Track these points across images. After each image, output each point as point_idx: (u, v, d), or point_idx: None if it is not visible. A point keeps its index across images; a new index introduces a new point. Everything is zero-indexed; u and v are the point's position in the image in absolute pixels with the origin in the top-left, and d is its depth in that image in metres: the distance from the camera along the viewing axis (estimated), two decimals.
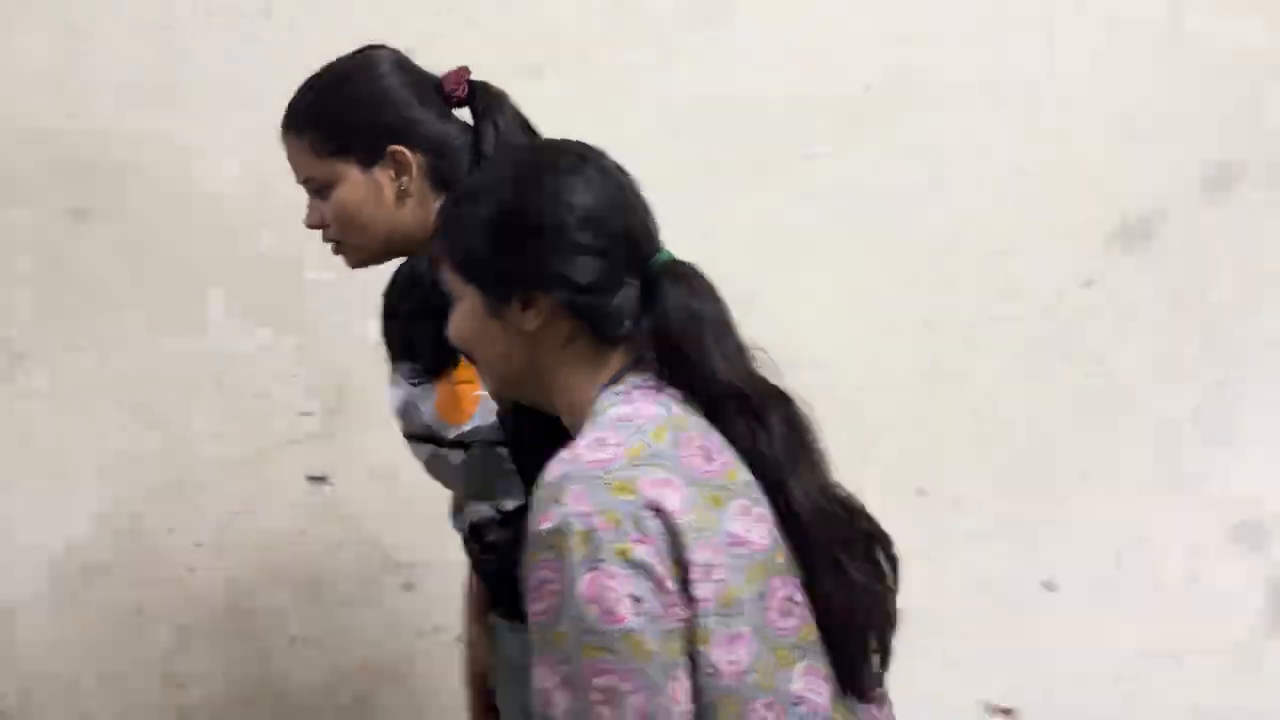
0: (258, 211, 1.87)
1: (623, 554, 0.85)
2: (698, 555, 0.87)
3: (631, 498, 0.87)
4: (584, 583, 0.84)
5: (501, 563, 1.25)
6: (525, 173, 0.99)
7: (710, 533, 0.89)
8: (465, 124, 1.27)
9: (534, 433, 1.13)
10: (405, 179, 1.22)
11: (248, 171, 1.86)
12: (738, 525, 0.91)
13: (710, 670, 0.85)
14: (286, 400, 1.93)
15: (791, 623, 0.91)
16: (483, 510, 1.27)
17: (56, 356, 1.91)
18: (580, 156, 0.99)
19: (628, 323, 0.96)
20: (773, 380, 0.99)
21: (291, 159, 1.27)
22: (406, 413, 1.24)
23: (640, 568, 0.85)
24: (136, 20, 1.90)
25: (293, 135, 1.25)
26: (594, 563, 0.85)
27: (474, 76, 1.27)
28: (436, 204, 1.18)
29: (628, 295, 0.96)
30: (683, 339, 0.95)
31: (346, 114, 1.23)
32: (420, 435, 1.24)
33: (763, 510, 0.93)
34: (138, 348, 1.93)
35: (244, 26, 1.88)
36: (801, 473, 0.95)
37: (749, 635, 0.88)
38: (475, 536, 1.29)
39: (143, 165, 1.91)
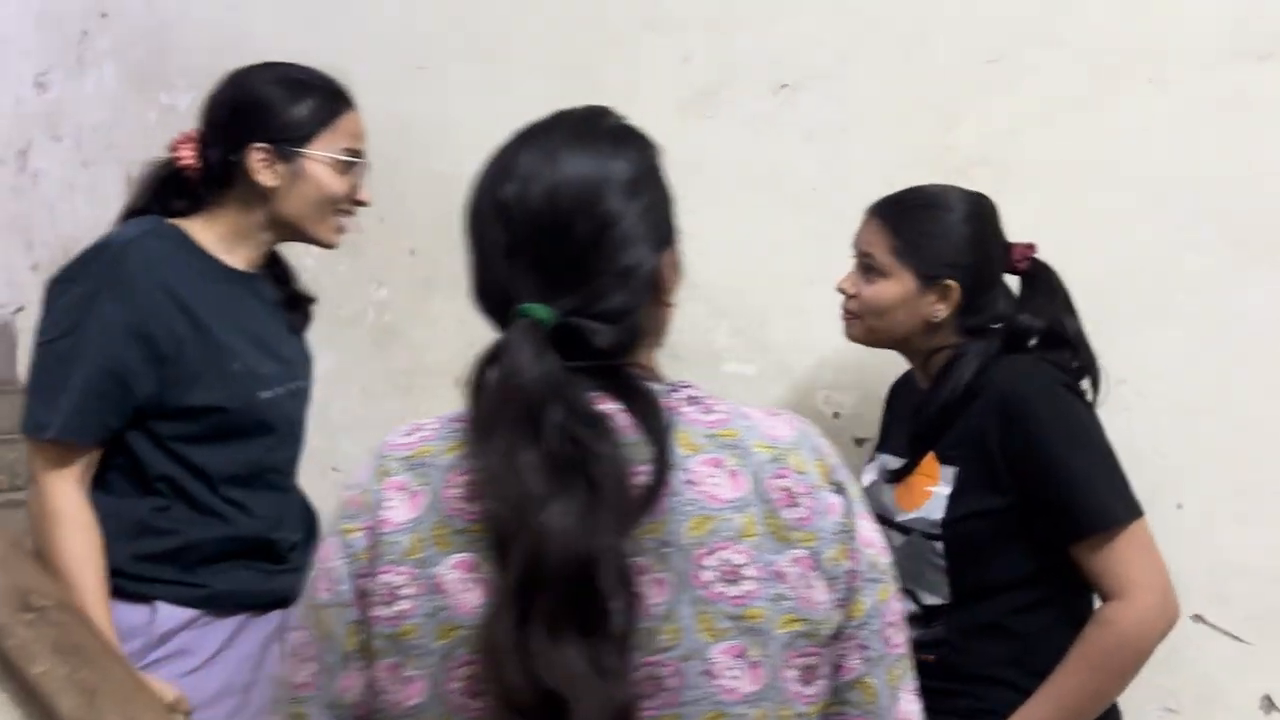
0: (694, 306, 1.88)
1: (345, 533, 0.88)
2: (386, 575, 0.85)
3: (378, 488, 0.88)
4: (321, 546, 0.91)
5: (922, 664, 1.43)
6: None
7: (412, 564, 0.85)
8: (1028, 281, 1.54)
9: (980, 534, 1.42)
10: (942, 308, 1.47)
11: (689, 269, 1.88)
12: (451, 575, 0.84)
13: (385, 698, 0.86)
14: None
15: (478, 708, 0.82)
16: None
17: None
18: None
19: None
20: None
21: (869, 238, 1.53)
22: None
23: (351, 553, 0.87)
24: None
25: (882, 223, 1.52)
26: (330, 531, 0.90)
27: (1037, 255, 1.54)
28: (949, 339, 1.50)
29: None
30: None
31: (928, 242, 1.48)
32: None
33: (490, 580, 0.84)
34: None
35: None
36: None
37: (422, 685, 0.84)
38: None
39: None
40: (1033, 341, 1.49)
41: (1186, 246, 1.61)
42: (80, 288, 1.45)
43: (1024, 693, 1.39)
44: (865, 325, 1.55)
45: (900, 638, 0.96)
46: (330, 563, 0.87)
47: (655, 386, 0.89)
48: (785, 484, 0.90)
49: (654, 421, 0.86)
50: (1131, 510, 1.38)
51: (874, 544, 0.94)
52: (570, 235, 0.86)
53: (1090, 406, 1.47)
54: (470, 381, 0.84)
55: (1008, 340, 1.48)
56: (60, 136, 3.49)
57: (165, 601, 1.47)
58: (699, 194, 2.03)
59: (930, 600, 1.48)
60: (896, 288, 1.50)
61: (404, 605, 0.83)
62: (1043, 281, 1.53)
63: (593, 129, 0.93)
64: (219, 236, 1.55)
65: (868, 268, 1.53)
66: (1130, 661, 1.37)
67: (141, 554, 1.45)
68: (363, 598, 0.85)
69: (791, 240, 1.94)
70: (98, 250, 1.48)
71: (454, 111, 2.40)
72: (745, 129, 2.01)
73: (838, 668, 0.92)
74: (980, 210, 1.53)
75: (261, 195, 1.52)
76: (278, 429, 1.57)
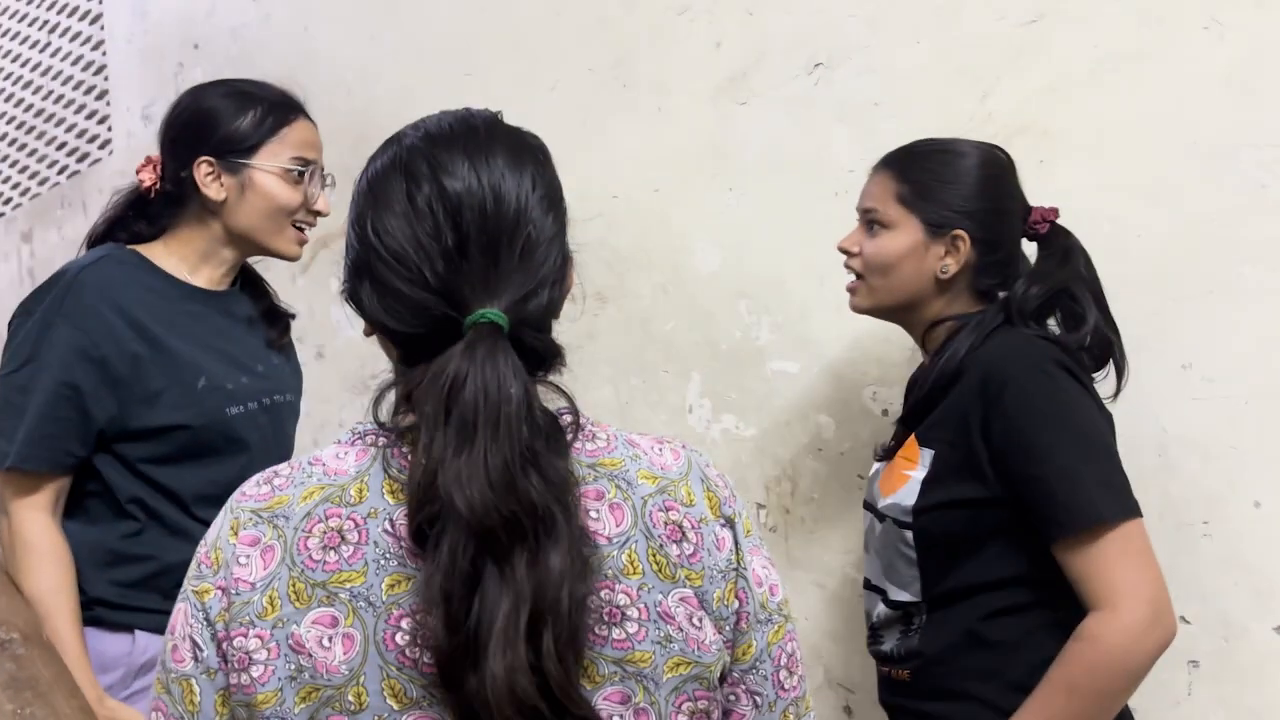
0: (735, 300, 1.96)
1: (199, 595, 0.81)
2: (240, 638, 0.78)
3: (232, 543, 0.81)
4: (174, 613, 0.83)
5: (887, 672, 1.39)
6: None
7: (266, 625, 0.78)
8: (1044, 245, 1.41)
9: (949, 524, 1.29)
10: (951, 262, 1.35)
11: (730, 263, 1.97)
12: (310, 632, 0.77)
13: None
14: (743, 495, 1.93)
15: None
16: (877, 600, 1.40)
17: None
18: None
19: None
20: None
21: (873, 191, 1.42)
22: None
23: (208, 616, 0.80)
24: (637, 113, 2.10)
25: (888, 173, 1.41)
26: (181, 595, 0.83)
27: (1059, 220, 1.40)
28: (958, 306, 1.38)
29: None
30: None
31: (937, 186, 1.36)
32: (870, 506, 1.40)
33: (359, 633, 0.77)
34: (633, 425, 1.99)
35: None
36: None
37: None
38: (870, 630, 1.41)
39: (650, 253, 2.08)
40: (1040, 315, 1.34)
41: (1254, 212, 1.42)
42: (34, 319, 1.46)
43: (1002, 712, 1.23)
44: (869, 289, 1.42)
45: (794, 681, 0.88)
46: (187, 627, 0.81)
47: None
48: (673, 517, 0.83)
49: (566, 455, 0.81)
50: (1122, 509, 1.20)
51: (764, 582, 0.87)
52: (513, 241, 0.80)
53: (1088, 390, 1.28)
54: (437, 389, 0.76)
55: (1009, 312, 1.33)
56: None
57: (144, 630, 1.47)
58: (734, 182, 1.97)
59: (900, 596, 1.35)
60: (902, 238, 1.37)
61: (257, 671, 0.78)
62: (1058, 247, 1.38)
63: (516, 139, 0.86)
64: (180, 257, 1.56)
65: (871, 223, 1.42)
66: (1116, 681, 1.17)
67: (119, 581, 1.46)
68: (225, 662, 0.80)
69: (830, 228, 1.81)
70: (53, 280, 1.49)
71: (500, 111, 2.37)
72: (779, 112, 1.91)
73: (727, 713, 0.86)
74: (996, 160, 1.40)
75: (214, 210, 1.52)
76: (251, 445, 1.55)
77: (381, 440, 0.82)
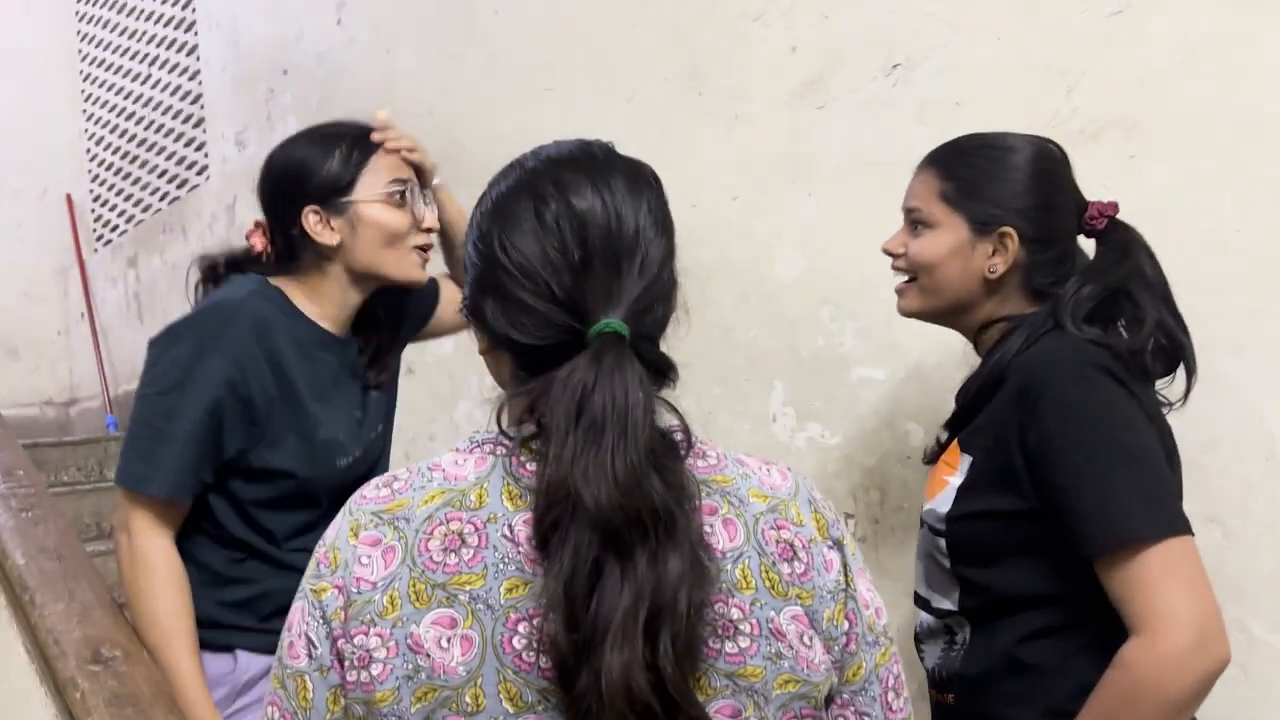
0: (817, 308, 1.96)
1: (317, 593, 0.83)
2: (359, 636, 0.80)
3: (353, 544, 0.83)
4: (292, 610, 0.85)
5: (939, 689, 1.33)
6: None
7: (386, 624, 0.80)
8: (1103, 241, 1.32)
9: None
10: (999, 262, 1.29)
11: (812, 269, 1.97)
12: (429, 632, 0.79)
13: None
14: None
15: None
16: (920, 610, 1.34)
17: None
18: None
19: None
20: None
21: (917, 189, 1.37)
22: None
23: (324, 614, 0.82)
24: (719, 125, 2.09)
25: (931, 171, 1.35)
26: (300, 593, 0.86)
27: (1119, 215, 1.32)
28: (1010, 307, 1.31)
29: None
30: None
31: (982, 182, 1.31)
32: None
33: (478, 635, 0.79)
34: (717, 434, 2.02)
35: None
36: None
37: None
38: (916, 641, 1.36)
39: (730, 262, 2.08)
40: (1095, 316, 1.25)
41: None
42: (187, 345, 1.47)
43: None
44: (917, 290, 1.36)
45: (900, 702, 0.88)
46: (304, 625, 0.84)
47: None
48: (784, 535, 0.84)
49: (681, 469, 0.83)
50: (1164, 526, 1.10)
51: (871, 604, 0.88)
52: (633, 258, 0.84)
53: (1136, 397, 1.19)
54: (567, 395, 0.79)
55: (1059, 313, 1.25)
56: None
57: (245, 650, 1.50)
58: (813, 187, 1.95)
59: (941, 604, 1.30)
60: (947, 237, 1.31)
61: (376, 669, 0.80)
62: (1116, 244, 1.29)
63: (633, 167, 0.90)
64: (309, 299, 1.56)
65: (915, 223, 1.36)
66: (1155, 712, 1.06)
67: (222, 602, 1.49)
68: (340, 661, 0.82)
69: None
70: (208, 310, 1.51)
71: (580, 124, 2.38)
72: (858, 115, 1.88)
73: None
74: (1046, 154, 1.32)
75: (330, 256, 1.53)
76: (350, 489, 1.57)
77: (501, 449, 0.85)
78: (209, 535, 1.51)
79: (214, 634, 1.49)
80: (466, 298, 0.89)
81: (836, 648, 0.85)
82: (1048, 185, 1.31)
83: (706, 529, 0.82)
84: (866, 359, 1.88)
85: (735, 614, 0.81)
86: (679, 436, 0.85)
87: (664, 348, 0.89)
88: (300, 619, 0.84)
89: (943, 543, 1.27)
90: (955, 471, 1.27)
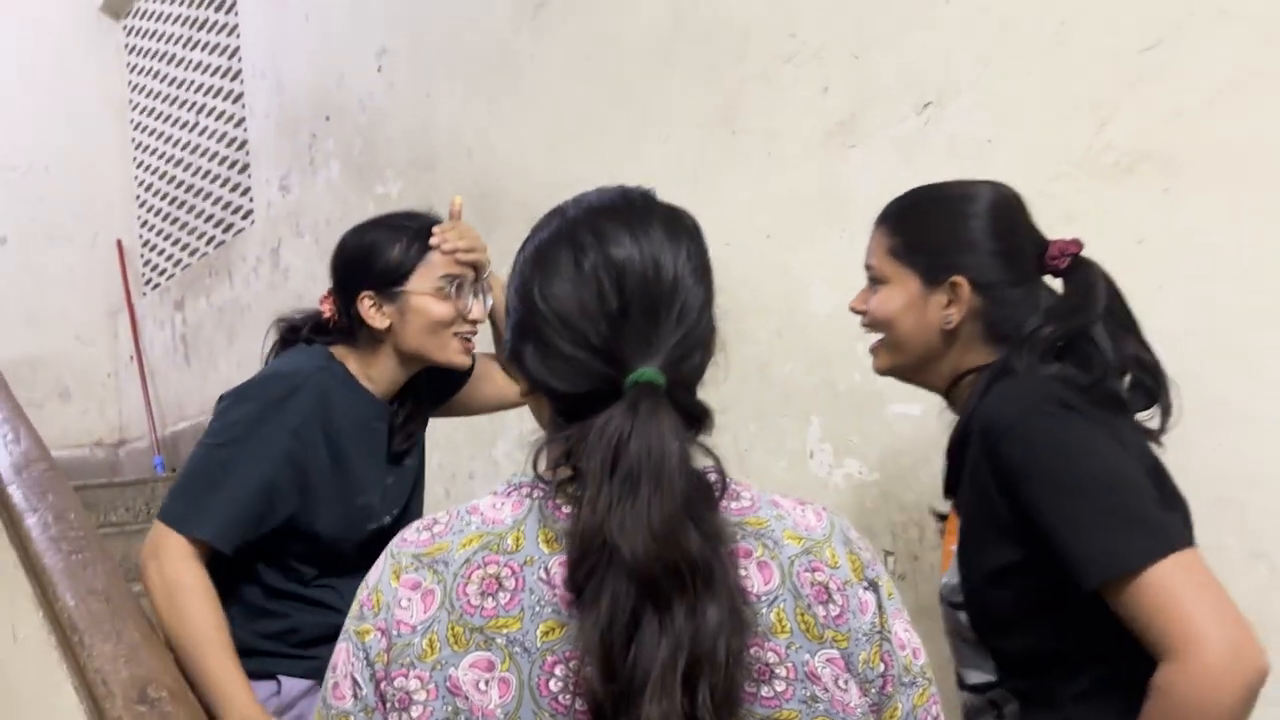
0: (852, 342, 1.92)
1: (360, 635, 0.84)
2: (400, 679, 0.81)
3: (394, 586, 0.84)
4: (336, 651, 0.86)
5: None
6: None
7: (426, 667, 0.80)
8: (1047, 288, 1.29)
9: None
10: (954, 311, 1.27)
11: (846, 306, 1.95)
12: (467, 675, 0.79)
13: None
14: (869, 542, 1.96)
15: None
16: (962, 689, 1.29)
17: None
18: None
19: None
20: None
21: (871, 246, 1.36)
22: None
23: (368, 656, 0.83)
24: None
25: (881, 228, 1.35)
26: (343, 635, 0.87)
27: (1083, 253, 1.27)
28: (978, 357, 1.27)
29: None
30: None
31: (928, 234, 1.30)
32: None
33: (515, 678, 0.79)
34: (753, 472, 2.07)
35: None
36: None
37: None
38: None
39: (765, 298, 2.09)
40: (1053, 355, 1.21)
41: None
42: (254, 406, 1.57)
43: None
44: (885, 348, 1.34)
45: None
46: (349, 666, 0.85)
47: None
48: (819, 578, 0.85)
49: (716, 514, 0.84)
50: (1156, 545, 1.04)
51: (907, 645, 0.87)
52: (670, 307, 0.84)
53: (1103, 424, 1.14)
54: (604, 445, 0.79)
55: (1015, 354, 1.21)
56: (302, 233, 3.83)
57: (285, 675, 1.58)
58: (846, 225, 1.96)
59: (977, 679, 1.25)
60: (899, 292, 1.30)
61: (416, 711, 0.81)
62: (1080, 283, 1.25)
63: (671, 214, 0.91)
64: (362, 369, 1.67)
65: (873, 280, 1.34)
66: None
67: (260, 633, 1.56)
68: (383, 702, 0.83)
69: None
70: (278, 378, 1.61)
71: (614, 166, 2.42)
72: (890, 154, 1.89)
73: None
74: (996, 198, 1.29)
75: (382, 336, 1.64)
76: (375, 550, 1.63)
77: (538, 492, 0.86)
78: (241, 573, 1.58)
79: (256, 662, 1.55)
80: (508, 342, 0.90)
81: (873, 690, 0.85)
82: (997, 229, 1.28)
83: (742, 572, 0.82)
84: (903, 394, 1.87)
85: (771, 658, 0.81)
86: (714, 478, 0.85)
87: (703, 386, 0.90)
88: (345, 660, 0.85)
89: (963, 616, 1.23)
90: (956, 539, 1.23)
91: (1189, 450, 1.47)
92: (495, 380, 1.90)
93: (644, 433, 0.78)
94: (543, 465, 0.87)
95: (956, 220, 1.28)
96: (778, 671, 0.81)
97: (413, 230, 1.64)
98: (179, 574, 1.48)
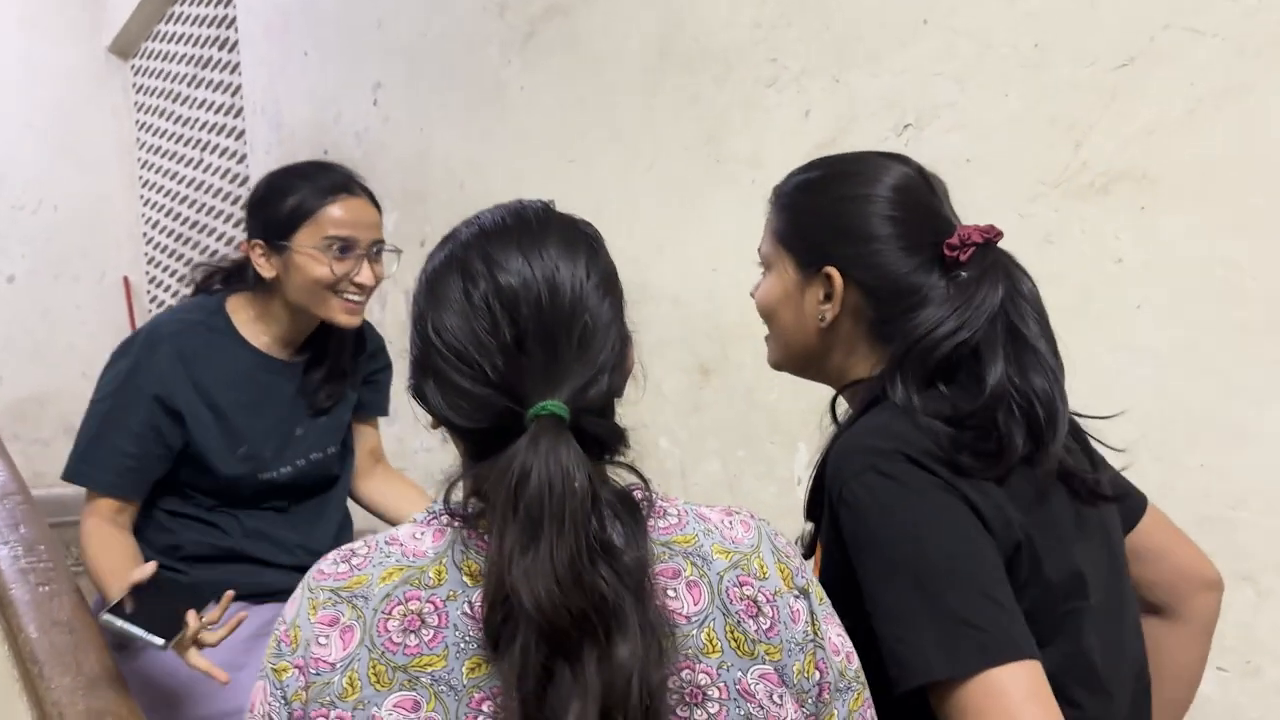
0: None
1: (277, 674, 0.80)
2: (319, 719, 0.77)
3: (311, 621, 0.80)
4: (253, 690, 0.82)
5: None
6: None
7: (349, 706, 0.76)
8: (954, 280, 1.05)
9: None
10: (829, 308, 1.08)
11: None
12: (391, 716, 0.76)
13: None
14: None
15: None
16: None
17: None
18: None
19: None
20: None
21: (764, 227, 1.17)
22: None
23: (285, 695, 0.79)
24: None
25: (771, 205, 1.16)
26: (261, 673, 0.82)
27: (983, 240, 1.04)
28: (876, 359, 1.07)
29: None
30: None
31: (808, 214, 1.10)
32: None
33: (441, 718, 0.76)
34: (743, 498, 2.07)
35: None
36: None
37: None
38: None
39: (751, 324, 2.03)
40: (941, 375, 1.01)
41: None
42: (126, 361, 1.65)
43: None
44: (770, 339, 1.17)
45: None
46: (265, 706, 0.81)
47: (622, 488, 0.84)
48: (747, 592, 0.82)
49: (642, 536, 0.80)
50: (968, 656, 0.86)
51: (841, 650, 0.85)
52: (570, 330, 0.81)
53: (944, 488, 0.93)
54: (505, 485, 0.76)
55: (888, 380, 1.02)
56: None
57: None
58: None
59: None
60: (775, 281, 1.12)
61: None
62: (976, 280, 1.02)
63: (569, 228, 0.87)
64: (258, 317, 1.72)
65: (762, 265, 1.16)
66: None
67: (149, 549, 1.63)
68: None
69: None
70: (146, 332, 1.69)
71: (603, 194, 2.43)
72: None
73: None
74: (896, 177, 1.08)
75: (275, 285, 1.68)
76: (286, 497, 1.73)
77: (458, 521, 0.82)
78: (150, 501, 1.68)
79: None
80: (410, 377, 0.87)
81: (810, 700, 0.82)
82: (887, 214, 1.06)
83: (670, 593, 0.80)
84: None
85: (703, 679, 0.79)
86: (639, 494, 0.83)
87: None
88: (262, 700, 0.82)
89: None
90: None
91: (1173, 469, 1.44)
92: (370, 446, 2.00)
93: (544, 468, 0.75)
94: (454, 498, 0.83)
95: (840, 202, 1.08)
96: (710, 693, 0.78)
97: (310, 185, 1.66)
98: (92, 528, 1.59)
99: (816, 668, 0.83)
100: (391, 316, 3.30)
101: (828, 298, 1.08)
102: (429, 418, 0.86)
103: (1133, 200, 1.50)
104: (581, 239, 0.86)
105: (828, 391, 1.95)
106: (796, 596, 0.84)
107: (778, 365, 1.19)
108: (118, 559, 1.53)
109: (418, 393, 0.85)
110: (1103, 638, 1.00)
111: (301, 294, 1.65)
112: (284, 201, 1.64)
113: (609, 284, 0.85)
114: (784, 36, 2.03)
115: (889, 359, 1.04)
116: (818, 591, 0.86)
